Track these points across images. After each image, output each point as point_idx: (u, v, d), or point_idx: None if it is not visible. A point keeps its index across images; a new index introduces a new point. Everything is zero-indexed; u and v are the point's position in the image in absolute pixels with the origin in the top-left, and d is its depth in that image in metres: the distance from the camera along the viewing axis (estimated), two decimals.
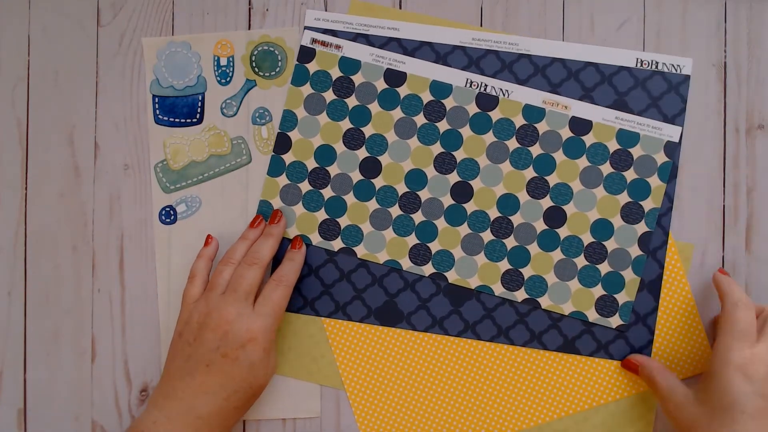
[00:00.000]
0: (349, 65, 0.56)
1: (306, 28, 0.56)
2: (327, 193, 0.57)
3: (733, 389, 0.45)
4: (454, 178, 0.56)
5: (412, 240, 0.56)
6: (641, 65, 0.55)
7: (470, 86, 0.56)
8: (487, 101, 0.56)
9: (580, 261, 0.55)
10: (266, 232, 0.54)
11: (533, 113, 0.55)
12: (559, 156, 0.55)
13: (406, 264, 0.56)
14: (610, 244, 0.55)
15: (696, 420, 0.46)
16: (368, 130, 0.56)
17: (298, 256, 0.54)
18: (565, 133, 0.55)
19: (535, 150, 0.55)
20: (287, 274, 0.53)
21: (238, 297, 0.51)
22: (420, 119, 0.56)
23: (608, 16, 0.56)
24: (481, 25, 0.56)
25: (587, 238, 0.55)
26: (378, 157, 0.56)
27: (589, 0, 0.56)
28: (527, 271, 0.55)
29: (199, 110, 0.57)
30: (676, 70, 0.55)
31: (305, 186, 0.57)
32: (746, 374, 0.45)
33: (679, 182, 0.55)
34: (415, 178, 0.56)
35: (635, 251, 0.55)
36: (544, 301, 0.55)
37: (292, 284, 0.53)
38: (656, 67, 0.55)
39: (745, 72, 0.56)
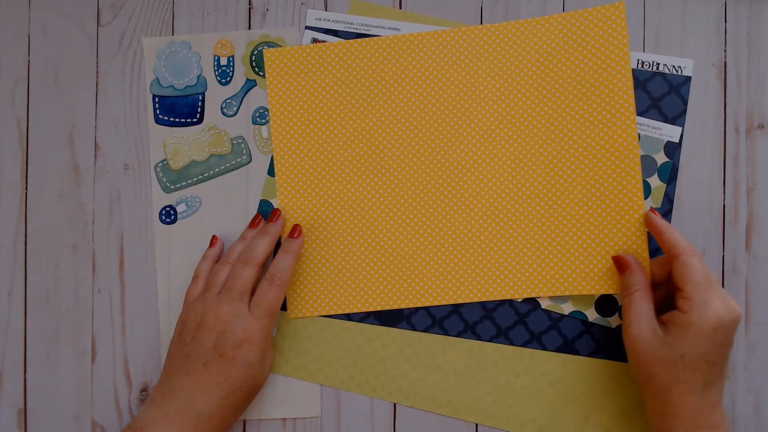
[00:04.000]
0: None
1: (307, 27, 0.56)
2: None
3: (707, 341, 0.46)
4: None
5: None
6: (642, 66, 0.55)
7: None
8: None
9: None
10: (263, 230, 0.54)
11: None
12: None
13: None
14: None
15: (660, 360, 0.46)
16: None
17: (293, 246, 0.53)
18: None
19: None
20: (281, 270, 0.52)
21: (233, 297, 0.51)
22: None
23: None
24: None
25: None
26: None
27: (589, 0, 0.56)
28: None
29: (199, 110, 0.57)
30: (677, 72, 0.55)
31: None
32: (719, 326, 0.46)
33: (679, 182, 0.55)
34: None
35: None
36: (544, 301, 0.55)
37: (286, 282, 0.52)
38: (657, 68, 0.55)
39: (745, 72, 0.56)
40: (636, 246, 0.53)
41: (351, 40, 0.55)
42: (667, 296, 0.51)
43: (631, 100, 0.53)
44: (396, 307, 0.55)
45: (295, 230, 0.54)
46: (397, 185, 0.55)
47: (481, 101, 0.54)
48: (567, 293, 0.54)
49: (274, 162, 0.56)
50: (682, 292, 0.47)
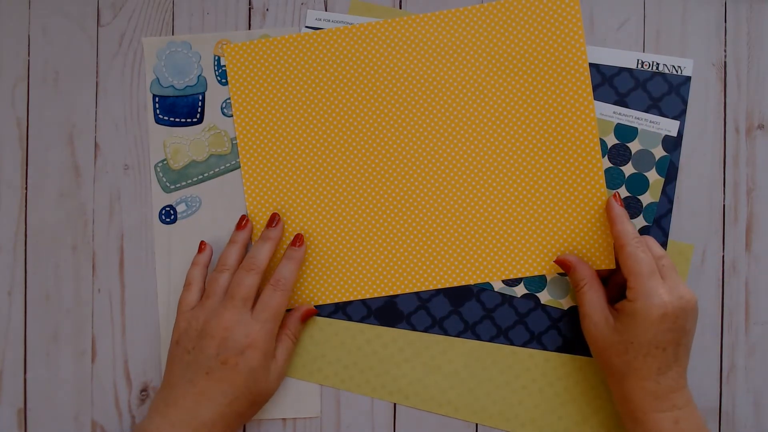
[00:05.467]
0: None
1: (307, 28, 0.56)
2: None
3: (654, 327, 0.47)
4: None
5: None
6: (642, 66, 0.55)
7: None
8: None
9: None
10: (264, 235, 0.54)
11: None
12: None
13: None
14: None
15: (613, 348, 0.49)
16: None
17: (297, 254, 0.54)
18: None
19: None
20: (285, 276, 0.52)
21: (236, 303, 0.50)
22: None
23: (608, 16, 0.56)
24: None
25: None
26: None
27: (589, 0, 0.56)
28: None
29: (199, 110, 0.57)
30: (677, 72, 0.55)
31: None
32: (665, 314, 0.47)
33: (679, 182, 0.55)
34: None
35: None
36: (543, 296, 0.55)
37: (290, 287, 0.52)
38: (657, 68, 0.55)
39: (745, 72, 0.56)
40: (600, 229, 0.54)
41: (309, 32, 0.55)
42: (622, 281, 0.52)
43: (588, 83, 0.54)
44: (379, 294, 0.55)
45: (298, 239, 0.54)
46: (365, 174, 0.55)
47: (445, 89, 0.55)
48: (539, 273, 0.55)
49: (240, 158, 0.56)
50: (629, 282, 0.49)
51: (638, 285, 0.48)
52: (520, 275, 0.55)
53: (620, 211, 0.51)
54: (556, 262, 0.54)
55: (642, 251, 0.49)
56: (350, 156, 0.55)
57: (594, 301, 0.50)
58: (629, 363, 0.48)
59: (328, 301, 0.55)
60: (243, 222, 0.55)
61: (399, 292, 0.55)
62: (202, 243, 0.55)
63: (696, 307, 0.48)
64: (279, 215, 0.55)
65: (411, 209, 0.55)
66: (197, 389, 0.49)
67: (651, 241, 0.50)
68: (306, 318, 0.55)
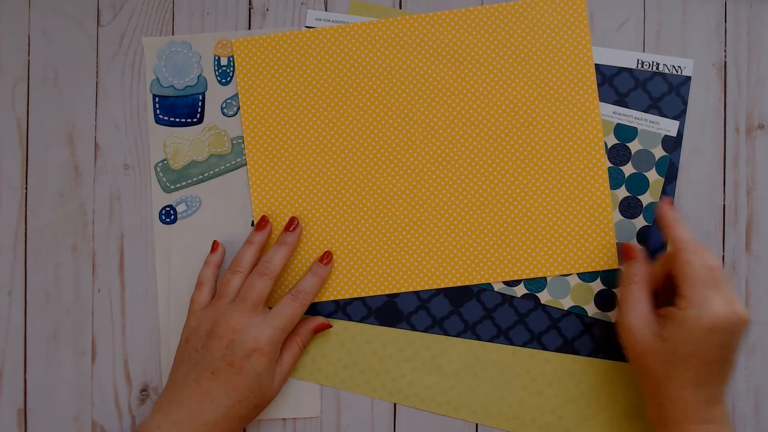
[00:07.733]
0: None
1: (307, 28, 0.56)
2: None
3: (702, 340, 0.45)
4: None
5: None
6: (642, 66, 0.55)
7: None
8: None
9: None
10: (281, 239, 0.54)
11: None
12: None
13: None
14: None
15: (653, 353, 0.46)
16: None
17: (322, 271, 0.54)
18: None
19: None
20: (307, 289, 0.53)
21: (246, 307, 0.51)
22: None
23: (608, 16, 0.56)
24: None
25: None
26: None
27: (589, 0, 0.56)
28: None
29: (199, 110, 0.57)
30: (677, 72, 0.55)
31: None
32: (715, 327, 0.45)
33: (679, 182, 0.55)
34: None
35: None
36: (543, 296, 0.55)
37: (309, 301, 0.53)
38: (657, 68, 0.55)
39: (745, 72, 0.56)
40: (602, 230, 0.54)
41: (319, 28, 0.55)
42: (668, 287, 0.51)
43: (593, 85, 0.54)
44: (381, 292, 0.55)
45: (326, 257, 0.54)
46: (369, 172, 0.55)
47: (451, 88, 0.55)
48: (540, 275, 0.54)
49: (246, 154, 0.56)
50: (680, 290, 0.47)
51: (691, 294, 0.45)
52: (522, 277, 0.54)
53: (673, 216, 0.49)
54: (621, 245, 0.52)
55: (700, 259, 0.46)
56: (355, 154, 0.55)
57: (640, 301, 0.48)
58: (668, 372, 0.46)
59: (330, 298, 0.55)
60: (263, 223, 0.55)
61: (401, 290, 0.55)
62: (214, 243, 0.55)
63: (749, 325, 0.46)
64: (297, 219, 0.55)
65: (415, 208, 0.55)
66: (202, 389, 0.49)
67: (708, 251, 0.47)
68: (319, 331, 0.55)
